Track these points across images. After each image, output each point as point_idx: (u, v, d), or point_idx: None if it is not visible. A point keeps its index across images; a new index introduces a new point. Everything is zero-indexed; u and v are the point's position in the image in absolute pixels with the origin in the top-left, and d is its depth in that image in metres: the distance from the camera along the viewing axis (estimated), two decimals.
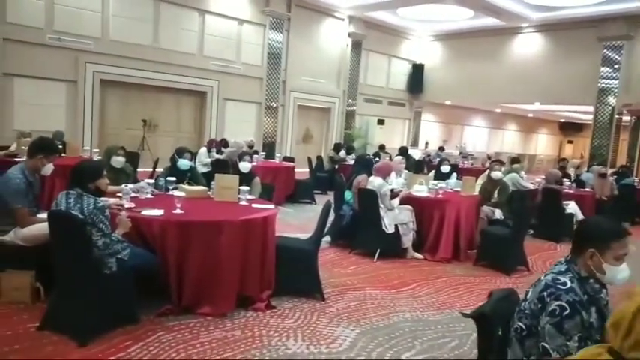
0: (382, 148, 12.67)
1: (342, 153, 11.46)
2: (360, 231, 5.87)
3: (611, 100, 13.71)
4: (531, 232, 7.76)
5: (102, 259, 3.18)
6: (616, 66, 13.52)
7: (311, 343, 3.42)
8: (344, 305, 4.19)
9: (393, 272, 5.29)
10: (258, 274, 3.92)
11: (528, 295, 2.00)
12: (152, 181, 4.55)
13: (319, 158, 11.31)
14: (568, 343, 1.79)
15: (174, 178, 4.60)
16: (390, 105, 17.55)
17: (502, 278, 5.44)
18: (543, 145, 25.07)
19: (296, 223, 7.44)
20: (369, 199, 5.66)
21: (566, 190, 8.05)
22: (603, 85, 13.77)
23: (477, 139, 20.98)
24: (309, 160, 10.49)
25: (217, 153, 8.45)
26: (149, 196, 4.37)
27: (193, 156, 5.16)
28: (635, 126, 15.05)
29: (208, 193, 4.61)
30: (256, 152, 9.70)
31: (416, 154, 15.04)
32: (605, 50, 13.69)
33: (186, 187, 4.58)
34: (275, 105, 13.99)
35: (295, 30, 14.19)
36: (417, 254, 5.86)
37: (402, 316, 4.10)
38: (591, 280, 1.95)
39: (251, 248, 3.83)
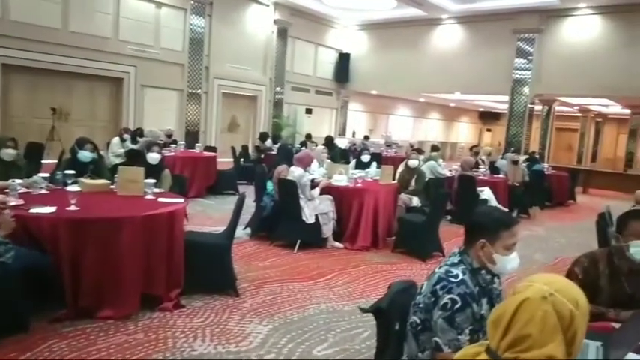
0: (309, 137, 12.61)
1: (269, 142, 11.28)
2: (280, 222, 5.77)
3: (525, 90, 14.43)
4: (449, 217, 8.02)
5: None
6: (529, 57, 14.23)
7: (219, 343, 3.28)
8: (258, 300, 4.07)
9: (312, 263, 5.24)
10: (164, 272, 3.71)
11: (423, 289, 1.98)
12: (47, 175, 4.17)
13: (244, 148, 11.07)
14: (459, 336, 1.77)
15: (73, 172, 4.25)
16: (317, 94, 17.52)
17: (418, 264, 5.53)
18: (464, 133, 26.10)
19: (217, 215, 7.21)
20: (289, 190, 5.56)
21: (480, 177, 8.36)
22: (517, 75, 14.46)
23: (402, 128, 21.47)
24: (233, 150, 10.23)
25: (132, 143, 8.00)
26: (43, 191, 4.01)
27: (96, 148, 4.78)
28: (547, 115, 16.00)
29: (112, 187, 4.31)
30: (175, 142, 9.31)
31: (342, 143, 15.15)
32: (519, 42, 14.36)
33: (86, 180, 4.25)
34: (198, 92, 13.53)
35: (218, 15, 13.75)
36: (337, 243, 5.85)
37: (317, 308, 4.04)
38: (483, 271, 1.95)
39: (155, 245, 3.61)
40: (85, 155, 4.65)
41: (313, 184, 5.86)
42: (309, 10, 15.90)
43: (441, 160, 8.97)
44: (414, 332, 1.96)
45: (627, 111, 17.57)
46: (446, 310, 1.80)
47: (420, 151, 9.12)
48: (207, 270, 4.04)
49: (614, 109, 18.62)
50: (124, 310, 3.47)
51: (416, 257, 5.71)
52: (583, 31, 13.50)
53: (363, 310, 2.15)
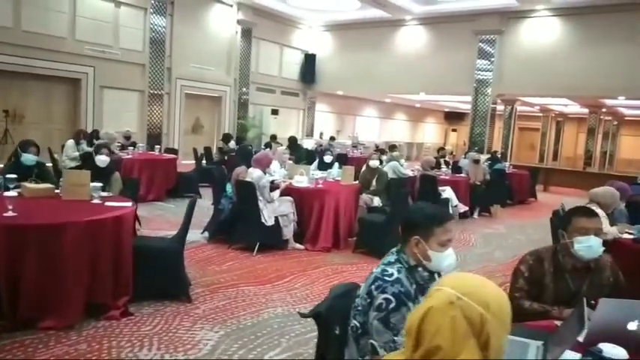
0: (274, 138, 12.49)
1: (232, 143, 11.11)
2: (239, 225, 5.65)
3: (487, 90, 14.66)
4: None
5: None
6: (491, 58, 14.46)
7: (167, 351, 3.16)
8: (212, 306, 3.96)
9: (271, 266, 5.14)
10: (111, 279, 3.56)
11: (360, 291, 1.92)
12: None
13: (207, 149, 10.87)
14: (395, 338, 1.72)
15: (15, 176, 4.05)
16: (283, 95, 17.41)
17: (376, 264, 5.49)
18: (430, 133, 26.40)
19: (175, 219, 6.98)
20: (247, 192, 5.45)
21: (442, 177, 8.42)
22: (480, 76, 14.68)
23: (370, 128, 21.56)
24: (195, 152, 10.03)
25: (88, 145, 7.74)
26: None
27: (42, 150, 4.56)
28: (509, 115, 16.31)
29: (57, 191, 4.12)
30: (134, 144, 9.06)
31: (309, 144, 15.10)
32: (480, 43, 14.58)
33: (29, 185, 4.06)
34: (160, 93, 13.25)
35: (180, 15, 13.50)
36: (297, 245, 5.78)
37: (273, 312, 3.95)
38: (420, 269, 1.90)
39: (101, 252, 3.46)
40: (28, 158, 4.44)
41: (273, 186, 5.77)
42: (273, 11, 15.79)
43: (403, 160, 9.00)
44: (354, 336, 1.90)
45: (586, 110, 18.08)
46: (380, 310, 1.74)
47: (382, 152, 9.14)
48: (158, 276, 3.91)
49: (574, 108, 19.14)
50: (66, 320, 3.31)
51: (377, 257, 5.57)
52: (542, 32, 13.81)
53: (302, 315, 2.09)
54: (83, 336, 3.26)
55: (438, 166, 8.78)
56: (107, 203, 3.93)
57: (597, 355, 1.64)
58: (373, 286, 1.82)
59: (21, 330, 3.20)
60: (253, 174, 5.47)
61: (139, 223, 5.58)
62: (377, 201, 6.52)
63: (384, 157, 8.88)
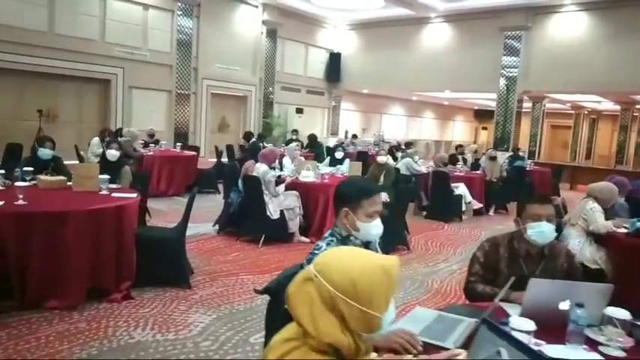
0: (295, 132, 12.74)
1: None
2: (246, 218, 5.86)
3: (513, 87, 14.44)
4: (424, 213, 8.10)
5: None
6: (517, 55, 14.24)
7: (159, 331, 3.38)
8: (209, 292, 4.17)
9: (274, 257, 5.33)
10: (113, 265, 3.82)
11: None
12: (2, 171, 4.28)
13: (229, 147, 11.16)
14: None
15: (31, 168, 4.37)
16: (308, 94, 17.60)
17: None
18: (460, 131, 26.10)
19: (194, 213, 7.26)
20: (254, 186, 5.65)
21: (456, 173, 8.42)
22: (506, 73, 14.47)
23: (396, 127, 21.50)
24: (216, 149, 10.33)
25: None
26: (0, 187, 4.13)
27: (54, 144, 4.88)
28: (537, 112, 16.03)
29: (69, 183, 4.42)
30: (157, 141, 9.42)
31: (331, 142, 15.24)
32: (506, 40, 14.37)
33: (44, 177, 4.37)
34: (187, 93, 13.64)
35: (206, 16, 13.87)
36: (303, 238, 5.94)
37: (266, 298, 4.11)
38: (352, 238, 2.02)
39: (103, 239, 3.72)
40: (44, 153, 4.77)
41: (279, 180, 5.95)
42: (298, 11, 15.99)
43: (417, 157, 9.04)
44: None
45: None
46: None
47: (398, 149, 9.20)
48: (160, 263, 4.14)
49: (608, 105, 18.59)
50: (70, 300, 3.58)
51: (381, 252, 5.77)
52: (569, 27, 13.52)
53: (256, 291, 2.25)
54: (84, 316, 3.52)
55: (454, 162, 8.76)
56: (113, 194, 4.20)
57: (496, 323, 1.70)
58: (305, 261, 1.97)
59: (28, 309, 3.49)
60: (259, 169, 5.66)
61: (149, 215, 5.86)
62: (384, 196, 6.58)
63: (399, 154, 8.94)
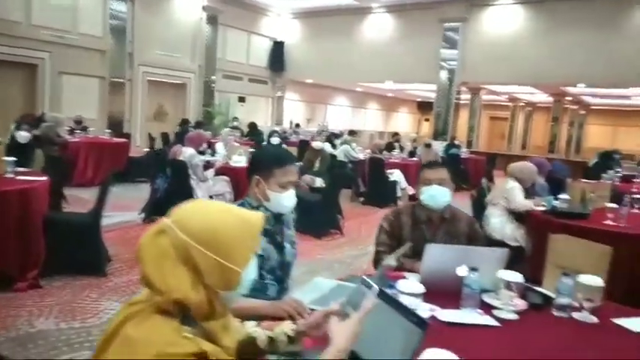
0: (236, 119, 12.57)
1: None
2: (173, 204, 5.63)
3: (452, 78, 14.76)
4: (361, 199, 8.13)
5: None
6: (455, 46, 14.55)
7: (64, 320, 3.17)
8: (125, 280, 3.97)
9: None
10: (18, 251, 3.55)
11: None
12: None
13: (164, 134, 10.79)
14: None
15: None
16: (251, 82, 17.33)
17: (313, 242, 5.57)
18: (403, 123, 26.52)
19: (120, 203, 6.97)
20: (180, 170, 5.45)
21: (393, 160, 8.49)
22: (444, 64, 14.77)
23: (341, 117, 21.58)
24: (150, 137, 9.96)
25: (33, 128, 7.60)
26: None
27: None
28: (474, 103, 16.50)
29: None
30: (85, 128, 8.97)
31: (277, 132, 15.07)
32: (445, 32, 14.65)
33: None
34: (121, 80, 13.08)
35: (142, 0, 13.33)
36: None
37: None
38: (262, 209, 1.92)
39: (4, 224, 3.44)
40: None
41: (209, 165, 5.78)
42: None
43: (354, 144, 9.05)
44: None
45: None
46: None
47: (336, 136, 9.18)
48: (73, 250, 3.90)
49: (542, 97, 19.37)
50: None
51: (313, 235, 5.74)
52: (505, 20, 13.92)
53: None
54: None
55: (390, 149, 8.84)
56: (19, 177, 3.90)
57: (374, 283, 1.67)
58: None
59: None
60: (186, 153, 5.47)
61: (66, 201, 5.55)
62: (319, 182, 6.54)
63: (337, 142, 8.93)
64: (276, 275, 1.93)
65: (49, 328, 3.04)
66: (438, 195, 2.39)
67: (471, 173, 10.72)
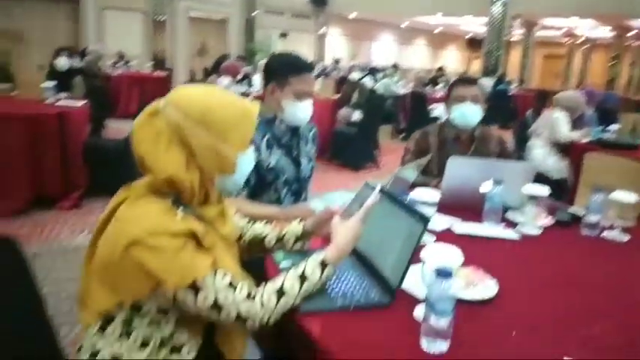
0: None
1: None
2: None
3: (504, 10, 13.84)
4: (401, 136, 7.97)
5: None
6: None
7: None
8: None
9: None
10: (59, 173, 3.70)
11: None
12: None
13: (206, 69, 10.78)
14: None
15: None
16: (293, 17, 16.90)
17: (350, 175, 5.57)
18: (452, 61, 25.45)
19: None
20: None
21: (435, 95, 8.19)
22: None
23: (386, 55, 20.91)
24: (192, 72, 10.00)
25: (73, 58, 7.71)
26: None
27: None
28: (528, 38, 15.56)
29: (13, 93, 4.21)
30: (127, 62, 9.08)
31: (317, 68, 14.82)
32: None
33: None
34: (164, 17, 13.03)
35: None
36: None
37: None
38: (277, 121, 1.87)
39: (45, 146, 3.57)
40: None
41: (245, 96, 5.75)
42: None
43: (396, 78, 8.75)
44: None
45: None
46: None
47: (377, 71, 8.92)
48: (111, 174, 4.00)
49: (602, 32, 18.01)
50: (11, 205, 3.48)
51: (351, 168, 5.74)
52: None
53: None
54: (28, 222, 3.45)
55: (434, 84, 8.53)
56: (59, 103, 4.01)
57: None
58: None
59: None
60: (221, 83, 5.44)
61: (105, 130, 5.70)
62: (356, 115, 6.42)
63: (379, 76, 8.69)
64: (291, 188, 1.91)
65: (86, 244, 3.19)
66: (468, 113, 2.26)
67: (520, 111, 10.25)
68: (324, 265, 1.11)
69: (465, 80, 2.41)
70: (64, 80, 4.56)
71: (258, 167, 1.79)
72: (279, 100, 1.81)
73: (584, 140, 4.02)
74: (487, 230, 1.64)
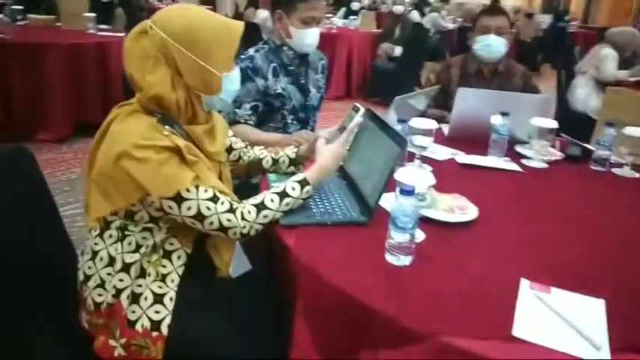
0: None
1: None
2: None
3: None
4: None
5: None
6: None
7: None
8: None
9: None
10: (99, 101, 3.86)
11: None
12: None
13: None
14: (237, 110, 1.79)
15: (20, 7, 4.31)
16: None
17: (383, 109, 5.47)
18: None
19: None
20: (251, 34, 5.43)
21: None
22: None
23: None
24: (236, 4, 9.89)
25: None
26: None
27: None
28: None
29: (58, 24, 4.35)
30: None
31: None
32: None
33: (33, 15, 4.32)
34: None
35: None
36: None
37: None
38: (285, 48, 1.89)
39: (85, 74, 3.73)
40: None
41: None
42: None
43: (445, 12, 8.34)
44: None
45: None
46: None
47: (426, 4, 8.53)
48: None
49: None
50: (57, 133, 3.71)
51: (386, 106, 5.61)
52: None
53: None
54: (73, 148, 3.68)
55: None
56: (100, 33, 4.13)
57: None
58: None
59: (20, 141, 3.63)
60: (260, 15, 5.40)
61: None
62: (398, 50, 6.24)
63: (427, 9, 8.33)
64: (297, 116, 1.94)
65: None
66: (493, 45, 2.19)
67: (580, 51, 9.61)
68: (304, 183, 1.16)
69: (491, 10, 2.32)
70: (105, 12, 4.65)
71: (265, 94, 1.84)
72: (286, 27, 1.82)
73: (633, 79, 3.79)
74: (490, 162, 1.64)
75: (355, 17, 6.81)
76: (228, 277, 1.23)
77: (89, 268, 1.14)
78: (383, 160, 1.19)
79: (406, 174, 1.07)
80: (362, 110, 1.31)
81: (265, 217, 1.12)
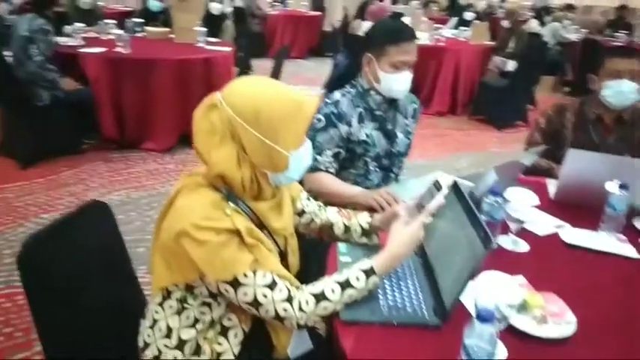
0: None
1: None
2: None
3: None
4: (566, 89, 7.09)
5: (38, 77, 3.36)
6: None
7: None
8: None
9: None
10: None
11: None
12: (114, 21, 4.56)
13: (361, 7, 10.59)
14: (317, 157, 1.71)
15: (141, 20, 4.60)
16: None
17: (490, 133, 5.15)
18: None
19: (311, 76, 7.30)
20: (353, 46, 5.34)
21: (615, 42, 7.01)
22: None
23: None
24: (345, 10, 9.88)
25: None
26: (110, 37, 4.38)
27: None
28: None
29: (172, 36, 4.58)
30: (283, 0, 9.28)
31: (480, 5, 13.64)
32: None
33: (150, 28, 4.59)
34: None
35: None
36: None
37: None
38: (372, 92, 1.78)
39: (192, 88, 3.87)
40: (154, 4, 4.96)
41: None
42: None
43: (568, 22, 7.60)
44: None
45: None
46: (311, 130, 1.71)
47: (547, 11, 7.89)
48: None
49: None
50: (163, 144, 3.91)
51: (494, 125, 5.29)
52: None
53: None
54: (174, 159, 3.86)
55: (614, 29, 7.30)
56: (208, 47, 4.29)
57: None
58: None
59: (128, 149, 3.89)
60: (364, 26, 5.30)
61: (251, 71, 5.96)
62: (511, 65, 5.80)
63: (548, 19, 7.72)
64: (381, 163, 1.82)
65: None
66: (626, 91, 1.88)
67: None
68: (370, 273, 1.06)
69: (624, 52, 2.00)
70: (215, 24, 4.83)
71: (348, 140, 1.75)
72: (374, 71, 1.71)
73: None
74: (601, 243, 1.40)
75: (466, 28, 6.46)
76: (287, 358, 1.16)
77: (148, 336, 1.14)
78: (464, 254, 1.04)
79: (487, 289, 0.91)
80: (444, 189, 1.16)
81: (325, 308, 1.03)
